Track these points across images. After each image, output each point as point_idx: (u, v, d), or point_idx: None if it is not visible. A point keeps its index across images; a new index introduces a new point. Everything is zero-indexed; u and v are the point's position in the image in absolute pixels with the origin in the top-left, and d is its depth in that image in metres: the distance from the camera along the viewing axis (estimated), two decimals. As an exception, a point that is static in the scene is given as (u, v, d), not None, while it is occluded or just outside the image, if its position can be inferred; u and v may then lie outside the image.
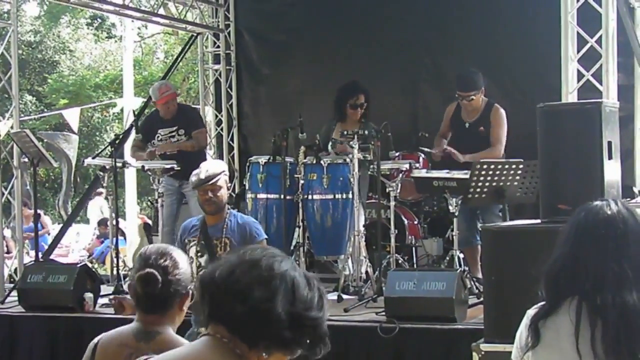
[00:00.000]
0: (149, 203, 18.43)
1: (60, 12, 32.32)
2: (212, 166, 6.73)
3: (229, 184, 6.64)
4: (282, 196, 8.40)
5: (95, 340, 3.61)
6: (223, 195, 6.58)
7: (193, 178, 6.67)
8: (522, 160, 7.95)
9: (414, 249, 9.65)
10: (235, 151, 12.87)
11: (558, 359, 3.17)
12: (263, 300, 2.56)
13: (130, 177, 19.57)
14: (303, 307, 2.62)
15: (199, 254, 6.53)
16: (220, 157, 12.90)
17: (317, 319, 2.68)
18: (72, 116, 23.36)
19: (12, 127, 9.68)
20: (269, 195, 8.61)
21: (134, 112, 10.61)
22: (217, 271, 2.61)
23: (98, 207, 19.81)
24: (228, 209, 6.76)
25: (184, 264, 3.64)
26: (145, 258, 3.60)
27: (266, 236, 6.86)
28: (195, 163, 9.72)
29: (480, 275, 7.78)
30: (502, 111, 8.83)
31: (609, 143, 6.42)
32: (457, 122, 9.03)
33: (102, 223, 17.89)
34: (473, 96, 8.77)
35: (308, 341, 2.68)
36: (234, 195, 12.22)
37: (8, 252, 11.70)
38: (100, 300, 8.17)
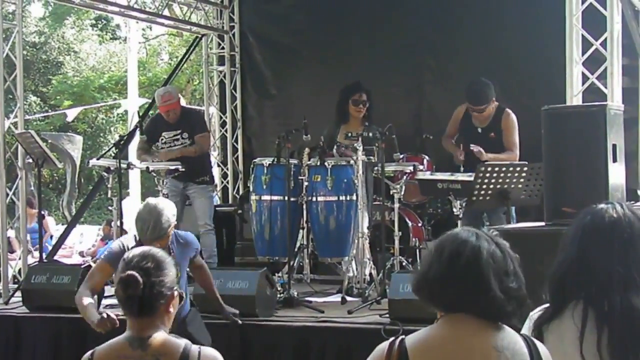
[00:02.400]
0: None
1: (64, 13, 32.34)
2: (160, 221, 6.16)
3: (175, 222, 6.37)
4: (286, 198, 8.39)
5: (88, 355, 3.55)
6: (167, 242, 6.27)
7: (139, 225, 6.21)
8: (526, 162, 7.95)
9: (417, 251, 9.64)
10: (240, 153, 12.88)
11: None
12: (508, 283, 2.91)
13: (134, 179, 19.61)
14: (513, 280, 2.93)
15: None
16: (225, 158, 12.93)
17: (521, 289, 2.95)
18: (73, 113, 23.52)
19: (16, 127, 9.69)
20: (273, 197, 8.61)
21: (138, 113, 10.62)
22: (434, 269, 2.95)
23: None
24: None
25: (168, 265, 3.60)
26: (128, 261, 3.57)
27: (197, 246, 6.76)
28: (199, 165, 9.80)
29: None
30: (513, 116, 8.82)
31: (614, 146, 6.42)
32: (468, 126, 9.00)
33: (106, 224, 17.88)
34: (484, 109, 8.78)
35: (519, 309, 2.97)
36: (237, 197, 12.25)
37: (12, 253, 11.70)
38: (104, 302, 8.16)
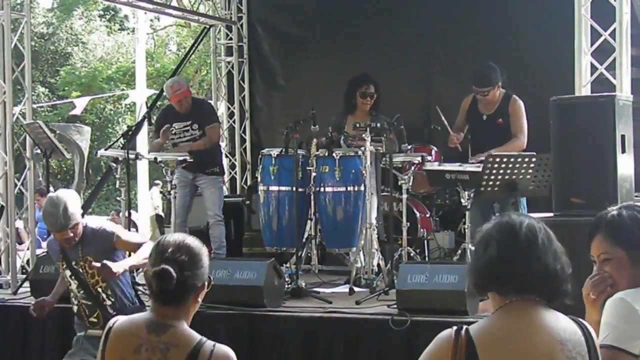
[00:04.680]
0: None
1: (73, 4, 32.42)
2: (67, 209, 6.09)
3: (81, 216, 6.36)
4: (294, 188, 8.38)
5: (111, 323, 3.58)
6: (80, 229, 6.24)
7: (50, 219, 6.15)
8: (535, 153, 7.93)
9: (425, 242, 9.64)
10: (248, 143, 12.89)
11: None
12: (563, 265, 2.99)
13: (142, 169, 19.64)
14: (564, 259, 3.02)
15: (72, 277, 6.43)
16: (233, 149, 12.93)
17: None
18: (81, 103, 23.52)
19: (24, 117, 9.70)
20: (281, 188, 8.60)
21: (146, 104, 10.62)
22: (494, 254, 2.97)
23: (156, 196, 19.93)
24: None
25: (202, 256, 3.58)
26: (161, 251, 3.53)
27: (117, 229, 6.54)
28: (209, 156, 9.80)
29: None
30: (521, 102, 8.78)
31: (622, 137, 6.42)
32: (474, 114, 8.98)
33: (115, 214, 17.93)
34: (487, 92, 8.74)
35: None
36: (245, 188, 12.25)
37: (20, 243, 11.72)
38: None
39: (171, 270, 3.46)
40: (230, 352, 3.49)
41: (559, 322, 2.95)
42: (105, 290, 6.39)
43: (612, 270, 3.30)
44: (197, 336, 3.50)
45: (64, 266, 6.41)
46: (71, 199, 6.20)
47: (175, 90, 9.77)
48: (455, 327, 2.95)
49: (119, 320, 3.58)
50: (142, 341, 3.46)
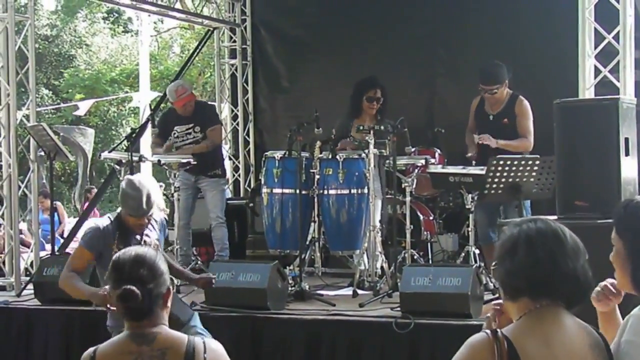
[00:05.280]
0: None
1: (76, 7, 32.44)
2: (149, 195, 6.12)
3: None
4: (297, 191, 8.39)
5: (90, 352, 3.53)
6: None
7: (132, 203, 6.12)
8: (538, 156, 7.93)
9: (429, 244, 9.64)
10: (251, 146, 12.90)
11: None
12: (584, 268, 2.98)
13: (146, 171, 19.62)
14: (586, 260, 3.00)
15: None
16: (236, 151, 12.94)
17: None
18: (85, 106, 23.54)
19: (28, 120, 9.70)
20: (285, 190, 8.61)
21: (150, 106, 10.62)
22: (523, 259, 2.94)
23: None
24: None
25: (159, 264, 3.57)
26: (119, 269, 3.54)
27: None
28: (211, 158, 9.81)
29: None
30: (527, 103, 8.77)
31: (626, 139, 6.41)
32: (481, 114, 8.97)
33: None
34: (496, 90, 8.73)
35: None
36: (249, 190, 12.25)
37: (24, 245, 11.72)
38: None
39: (134, 289, 3.45)
40: (220, 345, 3.56)
41: (586, 328, 2.97)
42: None
43: (613, 259, 3.31)
44: (183, 335, 3.53)
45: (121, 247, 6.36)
46: (154, 186, 6.24)
47: (179, 95, 9.77)
48: (488, 331, 2.91)
49: (98, 347, 3.54)
50: (135, 355, 3.44)
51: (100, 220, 6.60)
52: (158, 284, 3.53)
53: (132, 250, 3.64)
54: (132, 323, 3.51)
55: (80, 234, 13.43)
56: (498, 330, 2.90)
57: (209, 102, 12.58)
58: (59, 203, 18.26)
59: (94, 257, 6.24)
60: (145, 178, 6.34)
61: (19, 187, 9.55)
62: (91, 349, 3.54)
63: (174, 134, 9.77)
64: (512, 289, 3.00)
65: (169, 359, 3.43)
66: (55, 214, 17.09)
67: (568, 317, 2.96)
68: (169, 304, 3.58)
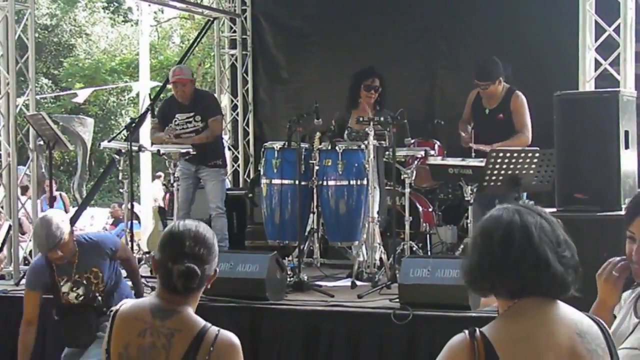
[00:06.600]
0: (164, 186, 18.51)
1: (76, -4, 32.37)
2: (52, 228, 6.24)
3: (70, 227, 6.50)
4: (296, 182, 8.38)
5: (117, 306, 3.58)
6: (69, 247, 6.40)
7: (37, 242, 6.46)
8: (538, 148, 7.92)
9: (428, 236, 9.64)
10: (251, 136, 12.90)
11: None
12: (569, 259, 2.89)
13: (145, 161, 19.62)
14: (565, 249, 2.89)
15: (73, 289, 6.56)
16: (236, 142, 12.95)
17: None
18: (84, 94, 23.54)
19: (27, 109, 9.70)
20: (284, 181, 8.60)
21: (150, 96, 10.61)
22: (488, 258, 2.86)
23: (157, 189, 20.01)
24: (74, 241, 6.53)
25: (215, 245, 3.58)
26: (179, 244, 3.50)
27: (116, 240, 6.90)
28: (212, 148, 9.81)
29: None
30: (523, 97, 8.77)
31: (626, 132, 6.42)
32: (477, 108, 8.99)
33: (117, 206, 17.96)
34: (487, 86, 8.75)
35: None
36: (248, 181, 12.25)
37: (23, 234, 11.72)
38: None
39: (196, 268, 3.46)
40: (235, 339, 3.51)
41: (574, 315, 2.88)
42: (100, 294, 6.60)
43: (636, 252, 3.28)
44: (201, 321, 3.50)
45: (64, 281, 6.55)
46: (58, 217, 6.37)
47: (175, 74, 9.81)
48: (467, 331, 2.84)
49: (125, 304, 3.59)
50: (147, 326, 3.46)
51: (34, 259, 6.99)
52: (211, 266, 3.55)
53: (191, 224, 3.60)
54: (166, 294, 3.51)
55: (80, 224, 13.48)
56: (476, 329, 2.83)
57: (210, 92, 12.57)
58: (63, 193, 18.30)
59: (42, 293, 6.60)
60: (50, 213, 6.52)
61: (18, 177, 9.56)
62: (121, 303, 3.61)
63: (175, 121, 9.76)
64: (480, 288, 2.96)
65: (175, 341, 3.43)
66: (62, 203, 17.18)
67: (552, 307, 2.86)
68: (208, 286, 3.60)
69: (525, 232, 2.84)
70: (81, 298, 6.57)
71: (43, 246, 6.32)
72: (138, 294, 6.88)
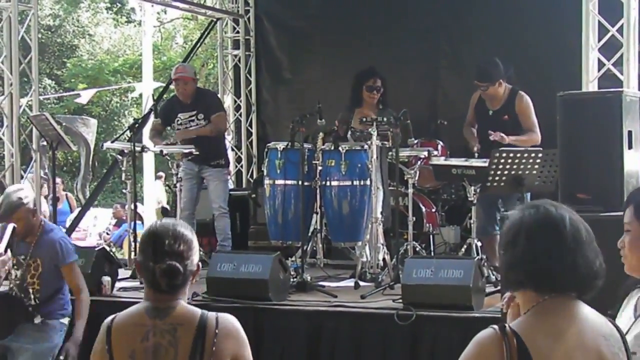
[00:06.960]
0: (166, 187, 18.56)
1: (79, -3, 32.38)
2: (9, 198, 6.37)
3: (34, 207, 6.50)
4: (300, 182, 8.38)
5: (108, 321, 3.58)
6: (29, 223, 6.42)
7: None
8: (541, 149, 7.92)
9: (431, 236, 9.63)
10: (254, 137, 12.90)
11: None
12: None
13: (148, 162, 19.65)
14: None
15: (16, 268, 6.50)
16: (239, 142, 12.95)
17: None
18: (88, 95, 23.56)
19: (30, 109, 9.71)
20: (287, 182, 8.60)
21: (153, 96, 10.62)
22: (538, 250, 2.83)
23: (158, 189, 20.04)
24: (41, 224, 6.57)
25: (194, 240, 3.60)
26: (159, 243, 3.53)
27: (75, 258, 6.71)
28: (215, 148, 9.81)
29: (497, 264, 7.75)
30: (527, 98, 8.76)
31: (629, 132, 6.40)
32: (481, 109, 8.99)
33: (119, 207, 17.97)
34: (486, 87, 8.75)
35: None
36: (251, 181, 12.26)
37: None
38: (118, 284, 8.18)
39: (178, 265, 3.48)
40: (234, 318, 3.55)
41: (599, 317, 2.87)
42: (35, 293, 6.55)
43: (627, 243, 3.27)
44: (198, 310, 3.54)
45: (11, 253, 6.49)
46: (19, 189, 6.50)
47: (178, 71, 9.84)
48: (496, 327, 2.79)
49: (116, 316, 3.59)
50: (148, 328, 3.47)
51: None
52: (192, 261, 3.57)
53: (168, 222, 3.63)
54: (154, 295, 3.53)
55: (83, 224, 13.46)
56: (506, 325, 2.80)
57: (212, 90, 12.59)
58: (70, 194, 18.31)
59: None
60: (15, 187, 6.68)
61: (22, 177, 9.56)
62: (110, 318, 3.59)
63: (178, 121, 9.78)
64: (513, 281, 2.91)
65: (180, 335, 3.45)
66: (67, 204, 17.21)
67: (580, 307, 2.85)
68: (194, 281, 3.62)
69: (576, 230, 2.86)
70: (17, 282, 6.54)
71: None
72: (73, 335, 6.55)
